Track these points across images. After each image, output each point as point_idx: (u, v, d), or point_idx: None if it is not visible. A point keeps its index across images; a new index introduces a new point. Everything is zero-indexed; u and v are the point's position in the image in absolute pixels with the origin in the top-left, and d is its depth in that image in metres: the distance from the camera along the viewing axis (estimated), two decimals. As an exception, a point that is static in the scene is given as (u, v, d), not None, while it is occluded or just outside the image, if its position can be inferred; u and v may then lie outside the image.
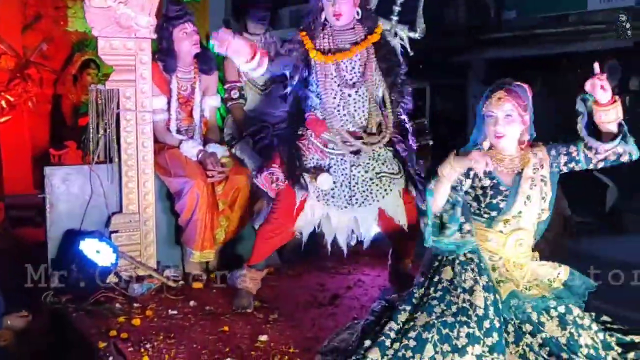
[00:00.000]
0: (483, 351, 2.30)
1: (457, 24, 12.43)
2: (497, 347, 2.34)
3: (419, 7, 4.35)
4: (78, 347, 3.19)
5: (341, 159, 3.41)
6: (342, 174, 3.39)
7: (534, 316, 2.54)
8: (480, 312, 2.36)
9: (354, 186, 3.39)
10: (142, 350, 2.91)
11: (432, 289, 2.56)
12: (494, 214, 2.62)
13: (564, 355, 2.46)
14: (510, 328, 2.52)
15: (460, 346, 2.27)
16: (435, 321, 2.32)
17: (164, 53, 3.87)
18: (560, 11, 11.12)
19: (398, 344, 2.32)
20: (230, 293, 3.59)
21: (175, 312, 3.40)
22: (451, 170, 2.55)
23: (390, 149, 3.47)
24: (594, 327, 2.58)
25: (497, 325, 2.38)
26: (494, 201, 2.61)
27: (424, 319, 2.41)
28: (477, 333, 2.31)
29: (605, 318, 2.77)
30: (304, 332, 3.14)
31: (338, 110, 3.38)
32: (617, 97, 2.51)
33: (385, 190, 3.42)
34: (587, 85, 2.49)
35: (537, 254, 2.74)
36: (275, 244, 3.53)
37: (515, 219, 2.61)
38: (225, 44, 3.18)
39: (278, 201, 3.43)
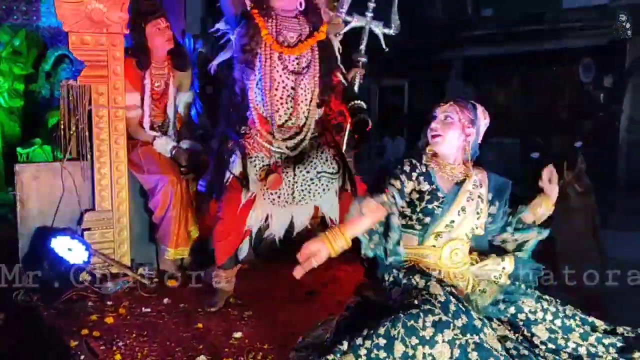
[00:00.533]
0: (455, 334, 2.27)
1: (435, 21, 12.50)
2: (469, 327, 2.30)
3: (394, 4, 4.38)
4: (49, 345, 3.15)
5: (286, 158, 3.40)
6: (286, 173, 3.39)
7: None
8: (442, 298, 2.34)
9: (293, 185, 3.40)
10: (115, 348, 2.89)
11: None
12: (427, 219, 2.58)
13: (524, 352, 2.48)
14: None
15: (428, 337, 2.25)
16: (401, 315, 2.30)
17: (137, 49, 3.84)
18: (536, 9, 11.23)
19: (370, 341, 2.31)
20: (204, 290, 3.57)
21: (149, 309, 3.38)
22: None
23: (334, 145, 3.52)
24: (549, 316, 2.59)
25: (464, 308, 2.37)
26: (430, 206, 2.58)
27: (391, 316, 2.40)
28: (445, 317, 2.28)
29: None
30: (278, 328, 3.14)
31: (281, 104, 3.35)
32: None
33: (324, 190, 3.44)
34: (545, 183, 2.69)
35: (475, 255, 2.71)
36: (232, 242, 3.43)
37: (448, 228, 2.59)
38: None
39: (224, 200, 3.37)
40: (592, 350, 2.53)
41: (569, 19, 10.74)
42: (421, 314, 2.28)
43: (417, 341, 2.25)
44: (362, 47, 4.29)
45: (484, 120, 2.71)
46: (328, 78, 3.47)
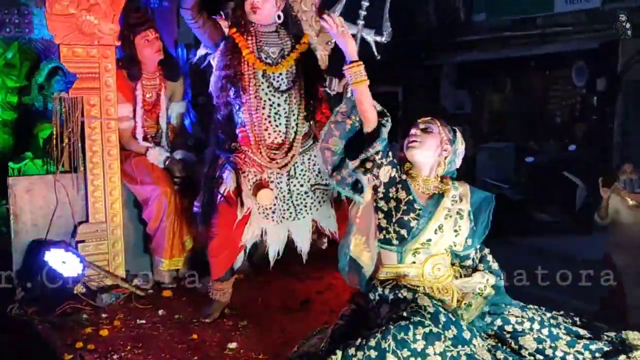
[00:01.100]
0: (447, 346, 2.28)
1: (427, 27, 12.53)
2: (460, 339, 2.30)
3: (385, 11, 4.39)
4: (44, 359, 3.14)
5: (278, 172, 3.38)
6: (279, 188, 3.37)
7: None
8: (431, 309, 2.34)
9: (288, 200, 3.39)
10: (109, 361, 2.88)
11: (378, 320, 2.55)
12: (403, 232, 2.58)
13: None
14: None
15: (419, 349, 2.25)
16: (391, 327, 2.30)
17: (127, 60, 3.84)
18: (528, 14, 11.27)
19: (362, 353, 2.30)
20: (199, 301, 3.57)
21: (143, 321, 3.37)
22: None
23: None
24: (536, 325, 2.60)
25: (453, 319, 2.37)
26: (406, 218, 2.58)
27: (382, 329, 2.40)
28: (435, 329, 2.28)
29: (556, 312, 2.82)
30: (273, 338, 3.14)
31: (270, 122, 3.34)
32: None
33: (319, 202, 3.45)
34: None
35: (457, 267, 2.72)
36: (228, 257, 3.41)
37: (425, 246, 2.59)
38: None
39: (218, 216, 3.31)
40: (580, 357, 2.54)
41: (560, 22, 10.79)
42: (411, 326, 2.27)
43: (408, 353, 2.25)
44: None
45: (461, 146, 2.72)
46: (314, 89, 3.47)
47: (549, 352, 2.56)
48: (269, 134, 3.34)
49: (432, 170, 2.68)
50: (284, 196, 3.38)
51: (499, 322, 2.61)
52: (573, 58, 10.72)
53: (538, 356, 2.55)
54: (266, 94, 3.33)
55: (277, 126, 3.35)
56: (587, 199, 7.73)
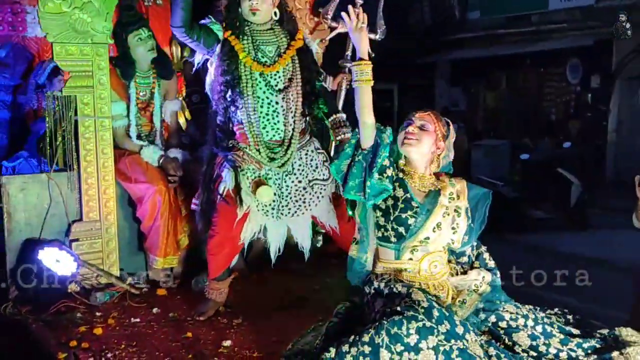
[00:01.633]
0: (440, 340, 2.28)
1: (422, 25, 12.55)
2: (453, 334, 2.31)
3: (379, 9, 4.39)
4: (38, 358, 3.13)
5: (275, 169, 3.37)
6: (278, 185, 3.37)
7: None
8: (425, 304, 2.35)
9: (287, 196, 3.39)
10: (103, 359, 2.87)
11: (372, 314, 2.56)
12: (401, 230, 2.59)
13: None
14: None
15: (412, 344, 2.25)
16: (385, 322, 2.31)
17: (120, 59, 3.83)
18: (522, 11, 11.29)
19: (355, 349, 2.31)
20: (194, 299, 3.56)
21: (138, 319, 3.36)
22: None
23: (322, 151, 3.51)
24: (530, 322, 2.61)
25: (447, 313, 2.38)
26: (403, 215, 2.59)
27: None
28: (429, 324, 2.28)
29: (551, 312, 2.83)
30: (268, 336, 3.13)
31: (268, 120, 3.34)
32: None
33: (318, 198, 3.44)
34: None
35: (453, 264, 2.73)
36: (226, 256, 3.42)
37: (423, 243, 2.60)
38: None
39: (218, 214, 3.32)
40: (573, 354, 2.55)
41: (555, 20, 10.81)
42: (404, 321, 2.28)
43: (402, 348, 2.25)
44: (348, 53, 4.30)
45: (452, 139, 2.74)
46: (310, 85, 3.47)
47: (542, 349, 2.57)
48: (267, 132, 3.34)
49: (426, 167, 2.68)
50: (282, 192, 3.38)
51: (493, 318, 2.62)
52: (567, 55, 10.75)
53: (531, 353, 2.56)
54: (264, 92, 3.32)
55: (275, 124, 3.35)
56: (581, 196, 7.76)
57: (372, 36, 4.30)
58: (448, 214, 2.61)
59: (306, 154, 3.46)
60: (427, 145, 2.64)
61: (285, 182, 3.38)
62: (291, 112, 3.37)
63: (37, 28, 6.13)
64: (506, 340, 2.59)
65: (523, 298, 2.84)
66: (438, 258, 2.64)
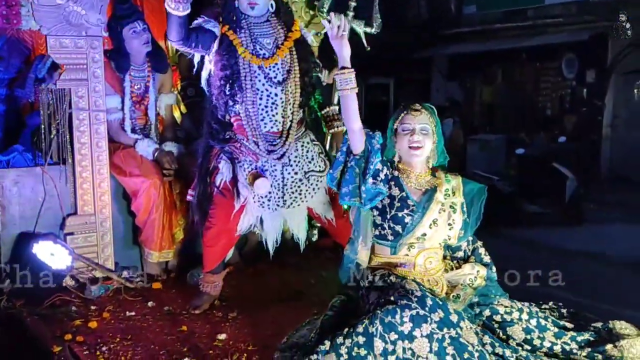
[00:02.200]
0: (433, 329, 2.29)
1: (418, 19, 12.52)
2: (446, 322, 2.32)
3: (375, 2, 4.38)
4: (32, 352, 3.12)
5: (272, 160, 3.37)
6: (274, 176, 3.36)
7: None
8: (418, 293, 2.36)
9: (283, 187, 3.38)
10: (98, 353, 2.87)
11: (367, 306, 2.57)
12: (398, 228, 2.60)
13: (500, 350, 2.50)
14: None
15: (406, 332, 2.26)
16: (379, 312, 2.31)
17: (115, 52, 3.82)
18: (518, 6, 11.28)
19: (350, 340, 2.31)
20: (189, 292, 3.56)
21: (133, 313, 3.36)
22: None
23: (317, 143, 3.51)
24: (524, 316, 2.62)
25: (440, 302, 2.38)
26: (400, 214, 2.60)
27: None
28: (422, 312, 2.29)
29: (545, 306, 2.84)
30: (263, 329, 3.13)
31: (267, 112, 3.33)
32: None
33: (314, 189, 3.43)
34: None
35: (448, 260, 2.74)
36: (223, 248, 3.43)
37: (419, 240, 2.62)
38: None
39: (214, 207, 3.33)
40: (567, 348, 2.56)
41: (551, 14, 10.81)
42: (398, 309, 2.29)
43: (396, 336, 2.26)
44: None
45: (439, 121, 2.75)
46: (308, 77, 3.46)
47: (536, 342, 2.57)
48: (266, 124, 3.34)
49: (424, 165, 2.68)
50: (278, 184, 3.37)
51: (487, 312, 2.63)
52: (563, 50, 10.75)
53: (526, 346, 2.57)
54: (263, 84, 3.31)
55: (273, 116, 3.34)
56: (576, 191, 7.77)
57: (368, 29, 4.29)
58: (444, 210, 2.62)
59: (302, 146, 3.46)
60: (429, 146, 2.67)
61: (281, 173, 3.37)
62: (289, 103, 3.36)
63: (32, 21, 6.11)
64: (500, 334, 2.60)
65: (517, 294, 2.85)
66: (434, 254, 2.65)
